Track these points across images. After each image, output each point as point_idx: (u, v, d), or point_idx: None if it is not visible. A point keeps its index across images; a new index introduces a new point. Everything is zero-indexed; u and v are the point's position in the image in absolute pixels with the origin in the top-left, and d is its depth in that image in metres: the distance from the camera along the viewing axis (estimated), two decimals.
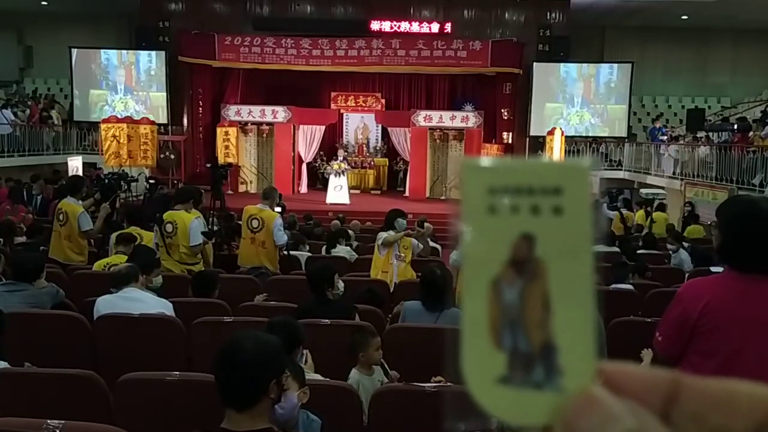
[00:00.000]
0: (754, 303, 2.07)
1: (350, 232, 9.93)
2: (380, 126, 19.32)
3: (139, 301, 4.15)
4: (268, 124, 17.66)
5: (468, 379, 0.33)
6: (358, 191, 18.12)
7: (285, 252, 7.23)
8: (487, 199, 0.33)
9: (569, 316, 0.33)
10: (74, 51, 18.77)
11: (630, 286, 5.91)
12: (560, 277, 0.33)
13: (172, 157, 17.94)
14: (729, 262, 2.15)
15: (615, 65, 18.71)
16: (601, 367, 0.32)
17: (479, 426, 0.33)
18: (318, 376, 3.18)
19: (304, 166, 18.23)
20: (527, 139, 18.16)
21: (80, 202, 6.85)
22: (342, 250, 8.15)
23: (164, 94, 18.63)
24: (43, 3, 19.44)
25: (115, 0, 18.40)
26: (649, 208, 12.23)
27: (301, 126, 17.79)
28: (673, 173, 15.29)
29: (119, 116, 16.38)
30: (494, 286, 0.33)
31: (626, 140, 18.22)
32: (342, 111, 19.78)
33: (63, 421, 2.07)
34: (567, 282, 0.33)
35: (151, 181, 7.73)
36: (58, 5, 19.45)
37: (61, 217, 6.70)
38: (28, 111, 17.37)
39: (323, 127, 18.31)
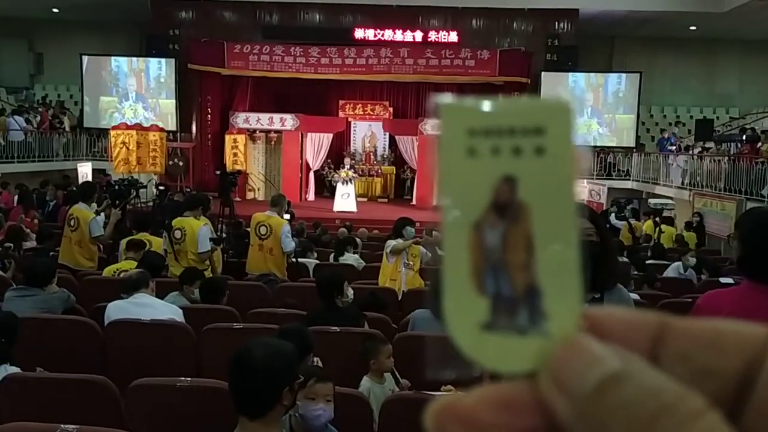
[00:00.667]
0: None
1: (357, 240, 9.94)
2: (388, 134, 19.36)
3: (149, 306, 4.17)
4: (276, 131, 17.72)
5: (450, 325, 0.32)
6: (365, 199, 18.14)
7: (293, 259, 7.24)
8: (467, 140, 0.32)
9: (553, 258, 0.32)
10: (85, 58, 18.90)
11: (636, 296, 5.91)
12: (543, 218, 0.32)
13: (181, 164, 18.01)
14: (749, 273, 2.15)
15: (623, 75, 18.69)
16: (585, 311, 0.31)
17: (462, 373, 0.32)
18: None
19: (311, 174, 18.27)
20: None
21: (91, 207, 6.89)
22: (350, 258, 8.16)
23: (173, 101, 18.73)
24: (54, 10, 19.59)
25: (126, 8, 18.52)
26: (657, 219, 12.20)
27: (309, 134, 17.84)
28: (682, 183, 15.25)
29: (129, 123, 16.47)
30: (476, 230, 0.32)
31: (634, 150, 18.19)
32: (350, 119, 19.83)
33: (78, 426, 2.08)
34: (550, 223, 0.32)
35: (161, 188, 7.77)
36: (69, 13, 19.59)
37: (72, 222, 6.74)
38: (38, 117, 17.49)
39: (331, 135, 18.36)
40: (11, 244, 7.28)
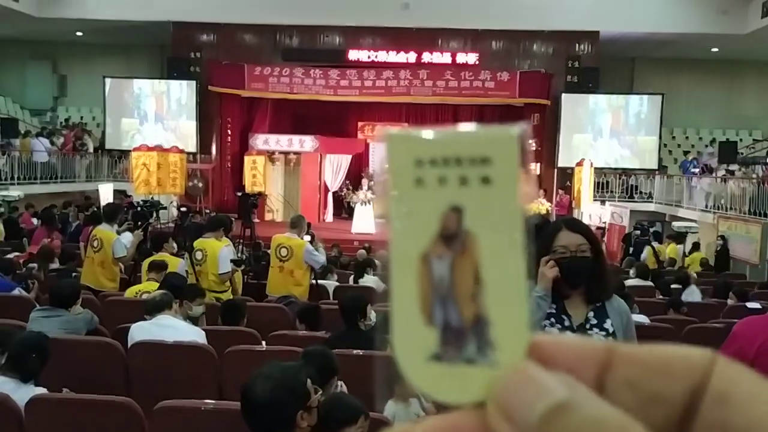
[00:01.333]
0: None
1: (377, 261, 9.90)
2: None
3: (172, 328, 4.16)
4: (295, 153, 17.81)
5: (398, 357, 0.32)
6: (383, 221, 18.10)
7: (313, 281, 7.21)
8: (414, 170, 0.32)
9: (500, 288, 0.32)
10: (108, 80, 19.19)
11: (645, 319, 5.84)
12: (490, 248, 0.32)
13: (200, 185, 18.14)
14: None
15: (645, 97, 18.61)
16: (533, 340, 0.31)
17: (408, 395, 0.32)
18: None
19: (329, 195, 18.31)
20: (555, 170, 18.07)
21: (114, 228, 6.93)
22: (369, 280, 8.11)
23: (194, 123, 18.92)
24: (78, 34, 19.95)
25: (148, 31, 18.82)
26: (681, 242, 12.05)
27: (327, 155, 17.91)
28: (706, 206, 15.07)
29: (149, 145, 16.63)
30: (423, 260, 0.32)
31: (657, 172, 18.04)
32: (369, 141, 19.90)
33: None
34: (497, 253, 0.32)
35: (183, 209, 7.81)
36: (92, 36, 19.94)
37: (95, 243, 6.77)
38: (62, 139, 17.74)
39: (350, 157, 18.42)
40: (35, 265, 7.33)
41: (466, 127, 0.32)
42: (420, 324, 0.32)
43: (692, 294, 8.10)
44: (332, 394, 2.85)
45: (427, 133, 0.32)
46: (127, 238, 7.07)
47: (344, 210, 18.27)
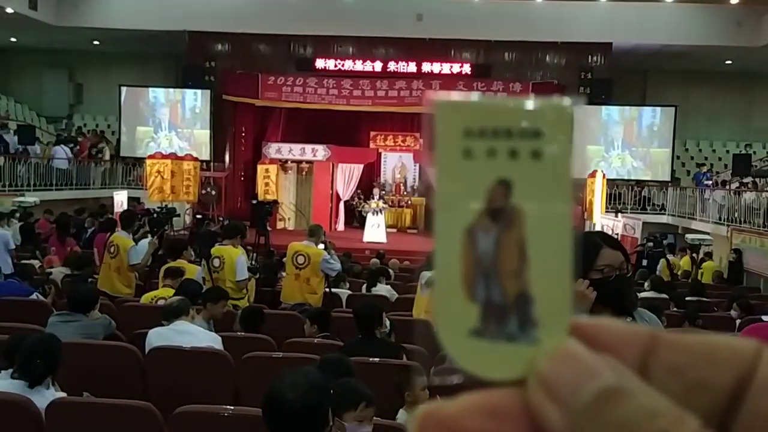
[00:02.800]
0: None
1: (390, 270, 9.91)
2: (418, 165, 19.41)
3: (189, 334, 4.19)
4: (307, 162, 17.88)
5: (440, 332, 0.32)
6: (394, 230, 18.13)
7: (326, 289, 7.23)
8: (463, 141, 0.31)
9: (546, 265, 0.31)
10: (123, 89, 19.37)
11: None
12: (537, 225, 0.31)
13: (213, 193, 18.23)
14: None
15: (658, 109, 18.55)
16: (576, 320, 0.31)
17: (449, 380, 0.32)
18: None
19: (341, 204, 18.36)
20: None
21: (130, 235, 6.98)
22: (382, 289, 8.13)
23: (208, 131, 19.05)
24: (95, 43, 20.17)
25: (164, 41, 18.99)
26: (694, 255, 11.97)
27: (339, 164, 17.97)
28: (719, 219, 14.97)
29: (164, 152, 16.75)
30: (468, 234, 0.31)
31: (670, 184, 17.96)
32: (380, 150, 19.95)
33: None
34: (544, 230, 0.31)
35: (198, 217, 7.86)
36: (108, 45, 20.15)
37: (112, 249, 6.83)
38: (77, 146, 17.92)
39: (362, 166, 18.47)
40: (50, 271, 7.39)
41: (519, 98, 0.32)
42: (462, 298, 0.32)
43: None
44: (341, 380, 2.86)
45: (479, 101, 0.32)
46: (145, 246, 7.13)
47: (356, 219, 18.30)
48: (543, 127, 0.31)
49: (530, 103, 0.31)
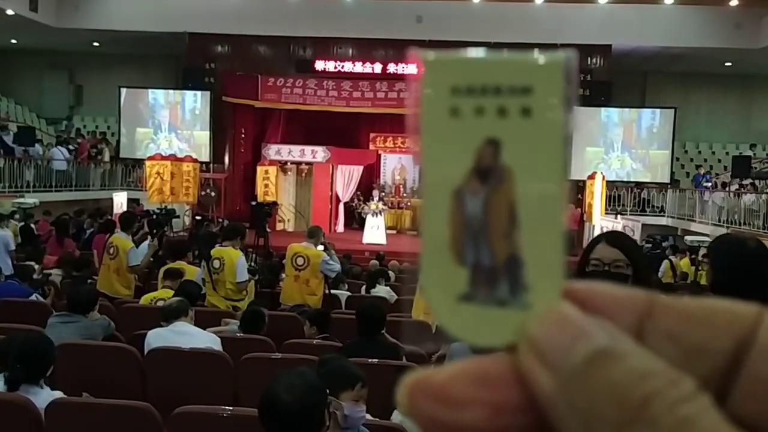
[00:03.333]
0: None
1: (389, 272, 9.91)
2: (418, 167, 19.35)
3: (188, 335, 4.19)
4: (307, 163, 17.88)
5: (429, 297, 0.30)
6: (394, 231, 18.13)
7: (326, 291, 7.23)
8: (450, 99, 0.30)
9: (537, 228, 0.30)
10: (123, 90, 19.38)
11: None
12: (528, 185, 0.30)
13: (213, 194, 18.23)
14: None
15: (657, 110, 18.57)
16: (567, 285, 0.29)
17: (435, 348, 0.31)
18: (367, 416, 3.17)
19: (341, 206, 18.36)
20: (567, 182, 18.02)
21: (129, 236, 6.99)
22: (381, 290, 8.13)
23: (207, 132, 19.06)
24: (95, 44, 20.18)
25: (164, 42, 19.01)
26: (694, 256, 11.97)
27: (339, 166, 17.97)
28: (719, 221, 14.99)
29: (164, 154, 16.75)
30: (456, 196, 0.30)
31: (669, 186, 17.97)
32: (380, 152, 19.96)
33: None
34: (535, 191, 0.30)
35: (198, 218, 7.86)
36: (108, 47, 20.16)
37: (111, 250, 6.83)
38: (77, 148, 17.93)
39: (361, 168, 18.47)
40: (50, 272, 7.39)
41: (508, 52, 0.30)
42: (450, 262, 0.30)
43: None
44: (334, 361, 2.91)
45: (466, 56, 0.30)
46: (145, 248, 7.13)
47: (355, 221, 18.31)
48: (533, 83, 0.29)
49: (520, 57, 0.30)
